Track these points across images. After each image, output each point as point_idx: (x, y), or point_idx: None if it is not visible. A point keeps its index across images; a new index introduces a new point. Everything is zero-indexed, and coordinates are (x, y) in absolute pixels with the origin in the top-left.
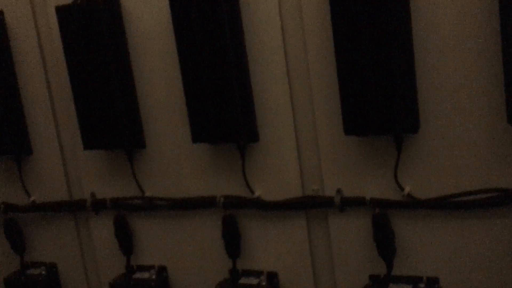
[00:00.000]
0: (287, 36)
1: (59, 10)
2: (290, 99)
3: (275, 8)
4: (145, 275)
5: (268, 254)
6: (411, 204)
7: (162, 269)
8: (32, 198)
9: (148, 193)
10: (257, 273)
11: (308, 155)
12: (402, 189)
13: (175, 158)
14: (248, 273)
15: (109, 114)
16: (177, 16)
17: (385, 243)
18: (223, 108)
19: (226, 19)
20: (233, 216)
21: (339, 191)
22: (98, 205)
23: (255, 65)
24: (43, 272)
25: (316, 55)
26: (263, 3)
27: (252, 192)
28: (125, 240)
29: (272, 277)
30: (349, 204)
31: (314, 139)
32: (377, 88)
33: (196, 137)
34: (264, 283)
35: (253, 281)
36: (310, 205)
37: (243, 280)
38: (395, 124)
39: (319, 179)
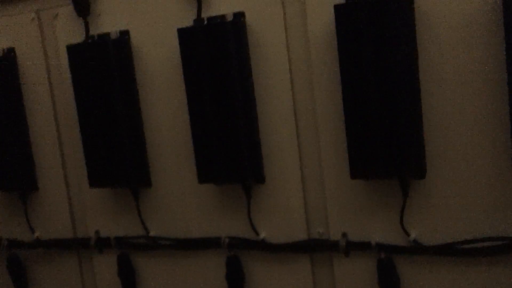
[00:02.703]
0: (295, 78)
1: (70, 48)
2: (297, 141)
3: (283, 50)
4: None
5: None
6: (417, 250)
7: None
8: (36, 235)
9: (152, 232)
10: None
11: (314, 198)
12: (408, 235)
13: (180, 198)
14: None
15: (116, 153)
16: (186, 57)
17: None
18: (229, 149)
19: (235, 62)
20: (237, 257)
21: (344, 234)
22: (102, 244)
23: (263, 107)
24: None
25: (324, 98)
26: (272, 45)
27: (257, 233)
28: (128, 279)
29: None
30: (354, 248)
31: (320, 182)
32: (384, 133)
33: (203, 178)
34: None
35: None
36: (315, 248)
37: None
38: (402, 169)
39: (325, 222)
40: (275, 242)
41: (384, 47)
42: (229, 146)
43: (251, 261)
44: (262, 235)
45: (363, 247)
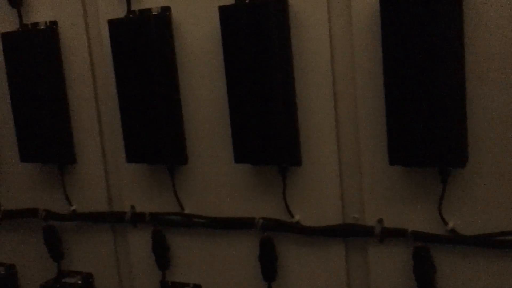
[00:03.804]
0: (336, 61)
1: (111, 23)
2: (335, 125)
3: (325, 31)
4: None
5: (304, 280)
6: (455, 240)
7: (196, 287)
8: (73, 207)
9: (187, 210)
10: None
11: (351, 182)
12: (446, 224)
13: (216, 177)
14: None
15: (153, 129)
16: (226, 35)
17: (425, 278)
18: (267, 130)
19: (275, 42)
20: (271, 238)
21: (380, 221)
22: (137, 219)
23: (302, 89)
24: (79, 282)
25: (364, 82)
26: (313, 25)
27: (292, 216)
28: (162, 255)
29: None
30: (389, 235)
31: (358, 166)
32: (426, 119)
33: (239, 157)
34: None
35: None
36: (350, 233)
37: None
38: (442, 157)
39: (360, 207)
40: (310, 225)
41: (430, 33)
42: (267, 127)
43: (285, 243)
44: (297, 217)
45: (399, 234)
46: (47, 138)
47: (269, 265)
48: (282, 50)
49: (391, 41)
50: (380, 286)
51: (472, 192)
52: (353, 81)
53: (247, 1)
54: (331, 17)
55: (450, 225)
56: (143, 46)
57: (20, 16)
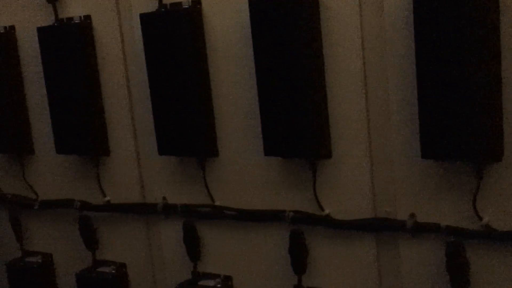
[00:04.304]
0: (367, 53)
1: (143, 17)
2: (367, 118)
3: (356, 23)
4: (211, 283)
5: (334, 274)
6: (490, 236)
7: (227, 279)
8: (107, 198)
9: (218, 202)
10: None
11: (382, 176)
12: (481, 219)
13: (246, 169)
14: None
15: (185, 122)
16: (256, 28)
17: (458, 274)
18: (297, 123)
19: (306, 35)
20: (301, 231)
21: (412, 215)
22: (169, 210)
23: (332, 82)
24: (113, 271)
25: (396, 74)
26: (344, 19)
27: (322, 209)
28: (193, 246)
29: None
30: (422, 230)
31: (389, 160)
32: (460, 112)
33: (269, 150)
34: None
35: None
36: (381, 228)
37: None
38: (477, 151)
39: (392, 201)
40: (340, 219)
41: (464, 25)
42: (297, 120)
43: (315, 237)
44: (327, 211)
45: (431, 229)
46: (82, 131)
47: (299, 258)
48: (313, 43)
49: (424, 33)
50: (412, 281)
51: (507, 187)
52: (385, 74)
53: None
54: (362, 9)
55: (485, 220)
56: (174, 39)
57: (55, 11)
